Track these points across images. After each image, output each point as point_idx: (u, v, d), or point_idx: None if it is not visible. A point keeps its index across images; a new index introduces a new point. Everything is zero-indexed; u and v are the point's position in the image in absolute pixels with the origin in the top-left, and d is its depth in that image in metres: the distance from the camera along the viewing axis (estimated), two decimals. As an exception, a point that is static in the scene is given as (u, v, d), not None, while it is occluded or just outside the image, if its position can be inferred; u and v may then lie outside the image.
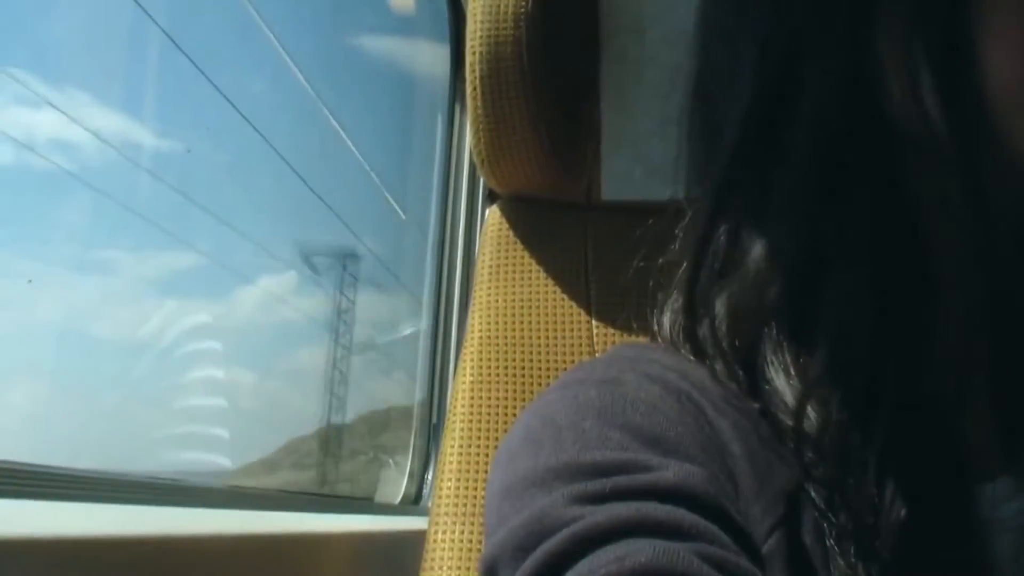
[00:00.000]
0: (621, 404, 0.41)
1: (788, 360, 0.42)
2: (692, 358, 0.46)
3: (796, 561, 0.38)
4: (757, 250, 0.43)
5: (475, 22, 0.74)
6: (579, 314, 0.75)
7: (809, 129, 0.42)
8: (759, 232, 0.44)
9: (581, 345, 0.74)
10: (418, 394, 1.40)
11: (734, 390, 0.43)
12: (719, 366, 0.44)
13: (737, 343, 0.44)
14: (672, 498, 0.36)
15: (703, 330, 0.45)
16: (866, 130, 0.41)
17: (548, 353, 0.74)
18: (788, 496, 0.40)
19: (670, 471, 0.37)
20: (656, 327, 0.50)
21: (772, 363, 0.43)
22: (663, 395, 0.42)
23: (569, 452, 0.39)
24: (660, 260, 0.50)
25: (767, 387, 0.42)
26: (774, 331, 0.43)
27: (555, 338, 0.74)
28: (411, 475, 1.35)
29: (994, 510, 0.40)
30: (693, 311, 0.46)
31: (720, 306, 0.45)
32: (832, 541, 0.38)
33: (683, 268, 0.48)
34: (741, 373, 0.43)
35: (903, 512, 0.38)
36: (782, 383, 0.42)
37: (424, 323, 1.40)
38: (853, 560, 0.38)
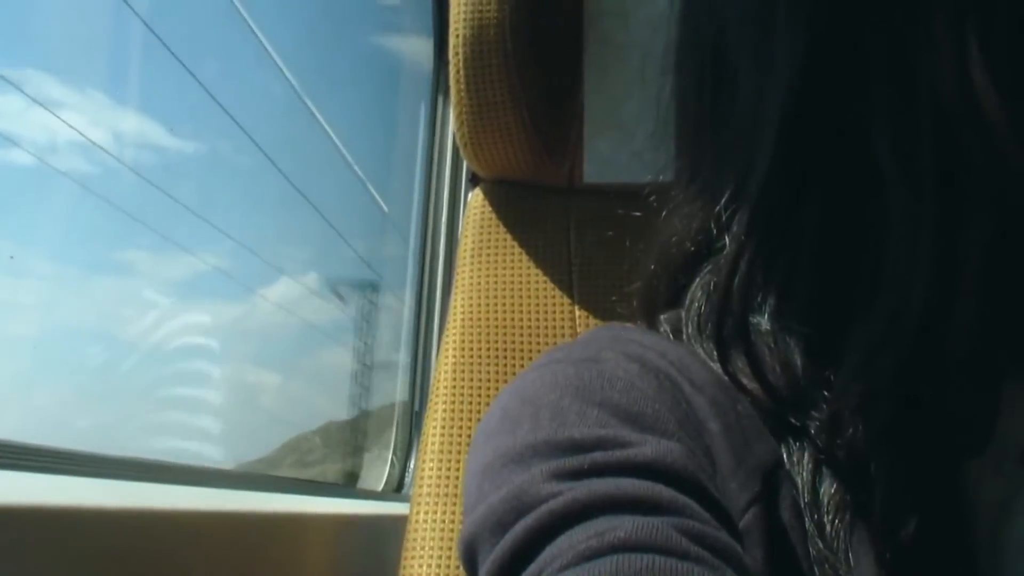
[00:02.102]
0: (599, 382, 0.41)
1: (792, 344, 0.42)
2: (672, 337, 0.46)
3: (773, 537, 0.38)
4: (806, 234, 0.42)
5: (458, 4, 0.74)
6: (561, 296, 0.76)
7: (885, 116, 0.40)
8: (807, 217, 0.42)
9: (563, 327, 0.74)
10: (400, 383, 1.40)
11: (714, 368, 0.43)
12: (707, 350, 0.44)
13: (731, 330, 0.43)
14: (650, 474, 0.36)
15: (718, 323, 0.44)
16: (926, 118, 0.39)
17: (531, 334, 0.74)
18: (765, 472, 0.40)
19: (648, 447, 0.37)
20: (644, 312, 0.50)
21: (775, 346, 0.42)
22: (641, 373, 0.42)
23: (547, 429, 0.39)
24: (646, 244, 0.50)
25: (766, 370, 0.42)
26: (781, 313, 0.43)
27: (538, 320, 0.74)
28: (393, 463, 1.35)
29: (976, 489, 0.40)
30: (724, 312, 0.44)
31: (746, 300, 0.44)
32: (811, 521, 0.39)
33: (673, 253, 0.47)
34: (736, 357, 0.43)
35: (891, 494, 0.38)
36: (791, 365, 0.42)
37: (406, 313, 1.40)
38: (830, 539, 0.38)
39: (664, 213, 0.49)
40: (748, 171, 0.43)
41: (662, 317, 0.48)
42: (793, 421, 0.41)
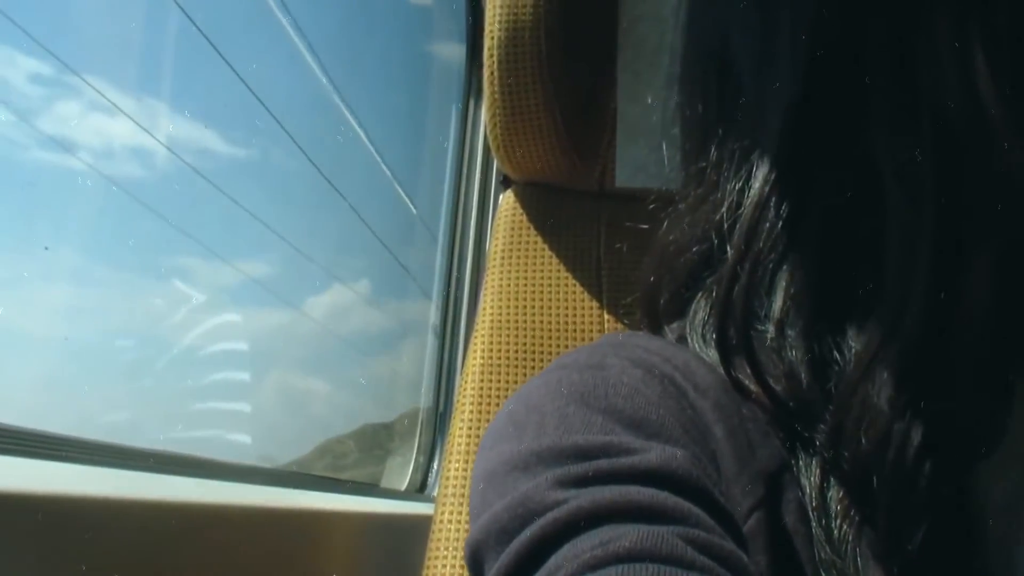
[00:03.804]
0: (604, 388, 0.41)
1: (795, 354, 0.42)
2: (676, 343, 0.46)
3: (777, 541, 0.38)
4: (807, 244, 0.43)
5: (494, 7, 0.74)
6: (591, 300, 0.76)
7: (886, 125, 0.40)
8: (808, 226, 0.43)
9: (592, 330, 0.74)
10: (425, 384, 1.40)
11: (719, 372, 0.43)
12: (712, 360, 0.44)
13: (737, 333, 0.44)
14: (655, 481, 0.36)
15: (726, 325, 0.45)
16: (926, 128, 0.40)
17: (559, 337, 0.74)
18: (769, 477, 0.40)
19: (653, 453, 0.37)
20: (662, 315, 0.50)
21: (779, 356, 0.42)
22: (646, 379, 0.42)
23: (552, 436, 0.39)
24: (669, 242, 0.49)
25: (770, 380, 0.42)
26: (793, 317, 0.43)
27: (566, 323, 0.74)
28: (417, 463, 1.36)
29: (987, 492, 0.40)
30: (728, 313, 0.44)
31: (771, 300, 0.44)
32: (819, 526, 0.38)
33: (689, 255, 0.47)
34: (741, 367, 0.43)
35: (898, 499, 0.38)
36: (797, 369, 0.42)
37: (433, 311, 1.41)
38: (838, 544, 0.38)
39: (666, 223, 0.49)
40: (748, 180, 0.44)
41: (667, 329, 0.48)
42: (799, 429, 0.41)
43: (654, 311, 0.49)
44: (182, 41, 1.18)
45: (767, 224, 0.43)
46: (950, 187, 0.39)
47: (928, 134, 0.39)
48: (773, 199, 0.43)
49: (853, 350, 0.40)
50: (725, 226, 0.44)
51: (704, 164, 0.47)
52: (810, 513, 0.39)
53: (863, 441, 0.39)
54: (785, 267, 0.43)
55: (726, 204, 0.45)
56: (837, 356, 0.41)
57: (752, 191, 0.44)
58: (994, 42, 0.38)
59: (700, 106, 0.48)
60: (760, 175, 0.43)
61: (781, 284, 0.43)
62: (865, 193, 0.41)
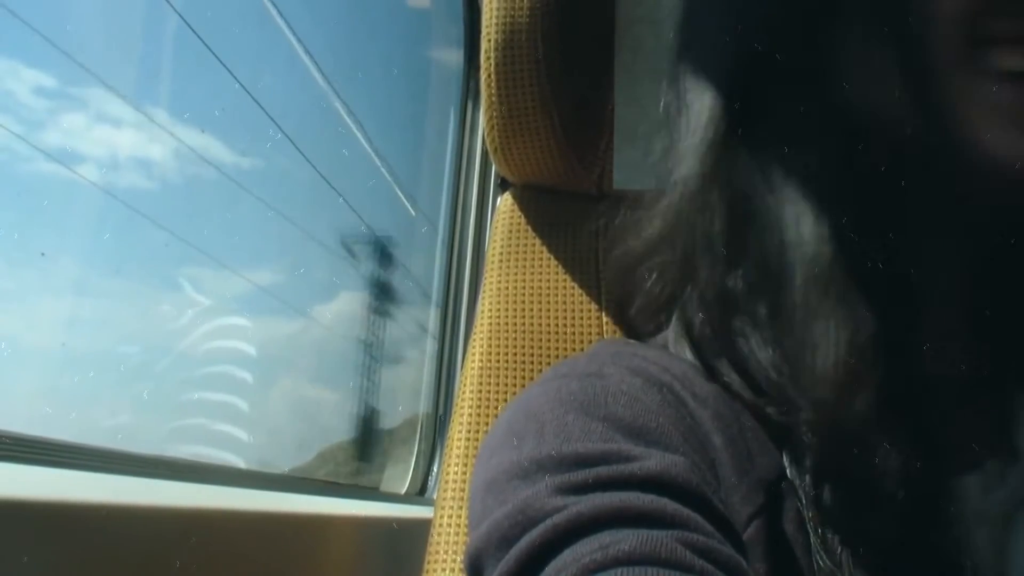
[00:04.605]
0: (603, 396, 0.41)
1: (773, 352, 0.42)
2: (673, 353, 0.47)
3: (776, 549, 0.39)
4: (774, 242, 0.43)
5: (491, 10, 0.74)
6: (589, 303, 0.76)
7: (799, 135, 0.42)
8: (759, 228, 0.43)
9: (591, 334, 0.74)
10: (424, 387, 1.40)
11: (717, 383, 0.44)
12: (698, 367, 0.45)
13: (726, 339, 0.44)
14: (654, 487, 0.36)
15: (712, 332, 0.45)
16: (833, 125, 0.41)
17: (558, 340, 0.74)
18: (768, 486, 0.40)
19: (652, 460, 0.37)
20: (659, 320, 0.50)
21: (762, 356, 0.43)
22: (645, 387, 0.42)
23: (552, 444, 0.39)
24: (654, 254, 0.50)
25: (758, 380, 0.42)
26: (777, 323, 0.43)
27: (565, 326, 0.74)
28: (416, 466, 1.36)
29: (980, 499, 0.40)
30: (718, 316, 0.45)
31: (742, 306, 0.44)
32: (815, 534, 0.39)
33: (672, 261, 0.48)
34: (727, 371, 0.43)
35: (891, 507, 0.38)
36: (784, 372, 0.42)
37: (432, 314, 1.41)
38: (833, 552, 0.38)
39: (629, 227, 0.50)
40: (684, 187, 0.45)
41: (651, 341, 0.48)
42: (793, 432, 0.41)
43: (631, 324, 0.50)
44: (180, 50, 1.18)
45: (698, 229, 0.45)
46: (866, 189, 0.40)
47: (839, 139, 0.40)
48: (701, 210, 0.44)
49: (827, 344, 0.41)
50: (675, 223, 0.46)
51: (663, 167, 0.49)
52: (807, 521, 0.39)
53: (846, 436, 0.39)
54: (738, 273, 0.44)
55: (671, 208, 0.46)
56: (811, 354, 0.42)
57: (683, 199, 0.45)
58: (905, 43, 0.39)
59: (667, 111, 0.50)
60: (689, 183, 0.45)
61: (744, 287, 0.44)
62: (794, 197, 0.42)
